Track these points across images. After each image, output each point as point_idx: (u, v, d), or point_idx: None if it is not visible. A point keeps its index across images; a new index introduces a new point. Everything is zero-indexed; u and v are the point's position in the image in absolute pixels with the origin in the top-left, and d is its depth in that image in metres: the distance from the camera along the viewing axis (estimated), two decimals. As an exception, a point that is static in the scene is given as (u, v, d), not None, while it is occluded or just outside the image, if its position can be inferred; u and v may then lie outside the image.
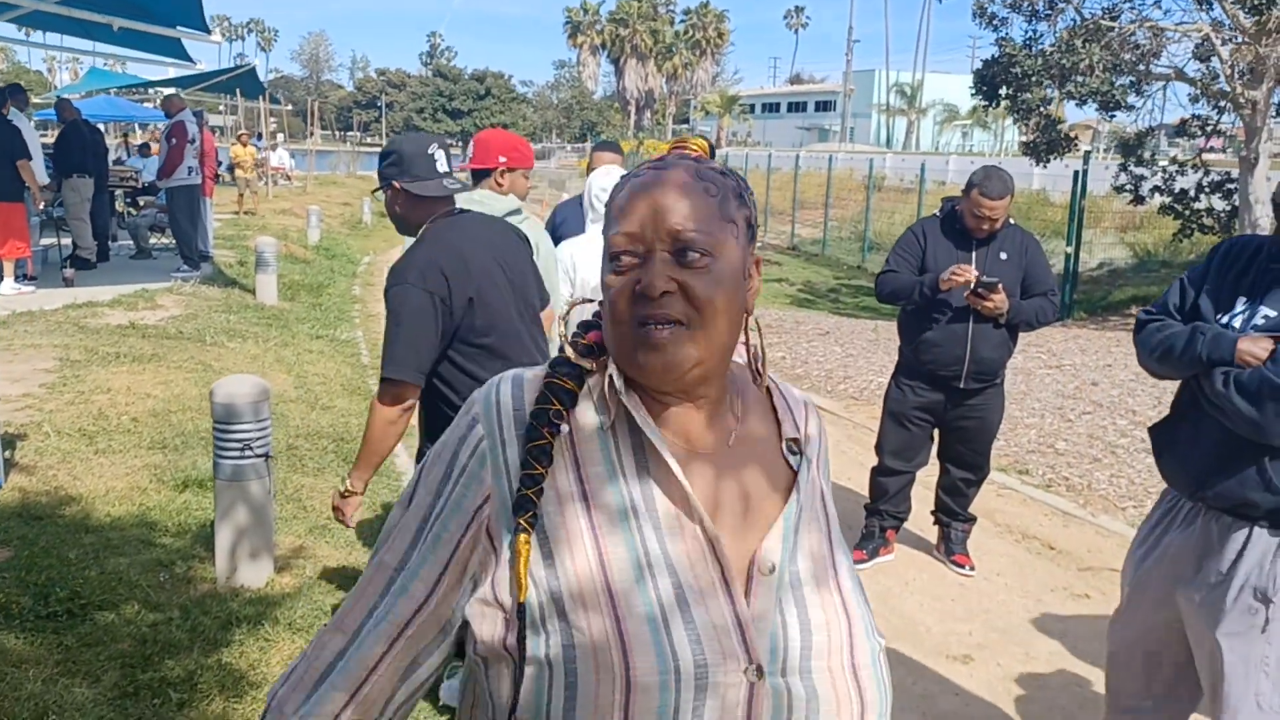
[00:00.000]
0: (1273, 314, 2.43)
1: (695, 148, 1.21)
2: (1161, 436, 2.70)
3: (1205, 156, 14.32)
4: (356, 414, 6.97)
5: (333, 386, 7.60)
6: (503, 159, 3.79)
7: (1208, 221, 13.95)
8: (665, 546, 1.07)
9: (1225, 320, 2.51)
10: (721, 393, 1.17)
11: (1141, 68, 12.98)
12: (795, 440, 1.22)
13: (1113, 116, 13.87)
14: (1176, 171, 14.08)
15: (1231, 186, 13.68)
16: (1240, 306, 2.50)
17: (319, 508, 5.09)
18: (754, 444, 1.18)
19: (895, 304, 4.71)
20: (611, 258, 1.10)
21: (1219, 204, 13.99)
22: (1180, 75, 13.17)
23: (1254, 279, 2.50)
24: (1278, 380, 2.32)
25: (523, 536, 1.06)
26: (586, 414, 1.14)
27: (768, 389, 1.26)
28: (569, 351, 1.16)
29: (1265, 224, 11.88)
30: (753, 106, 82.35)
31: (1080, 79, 12.56)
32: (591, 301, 1.20)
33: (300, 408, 6.79)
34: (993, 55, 13.50)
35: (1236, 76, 12.14)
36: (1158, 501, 2.78)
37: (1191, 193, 14.02)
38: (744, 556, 1.10)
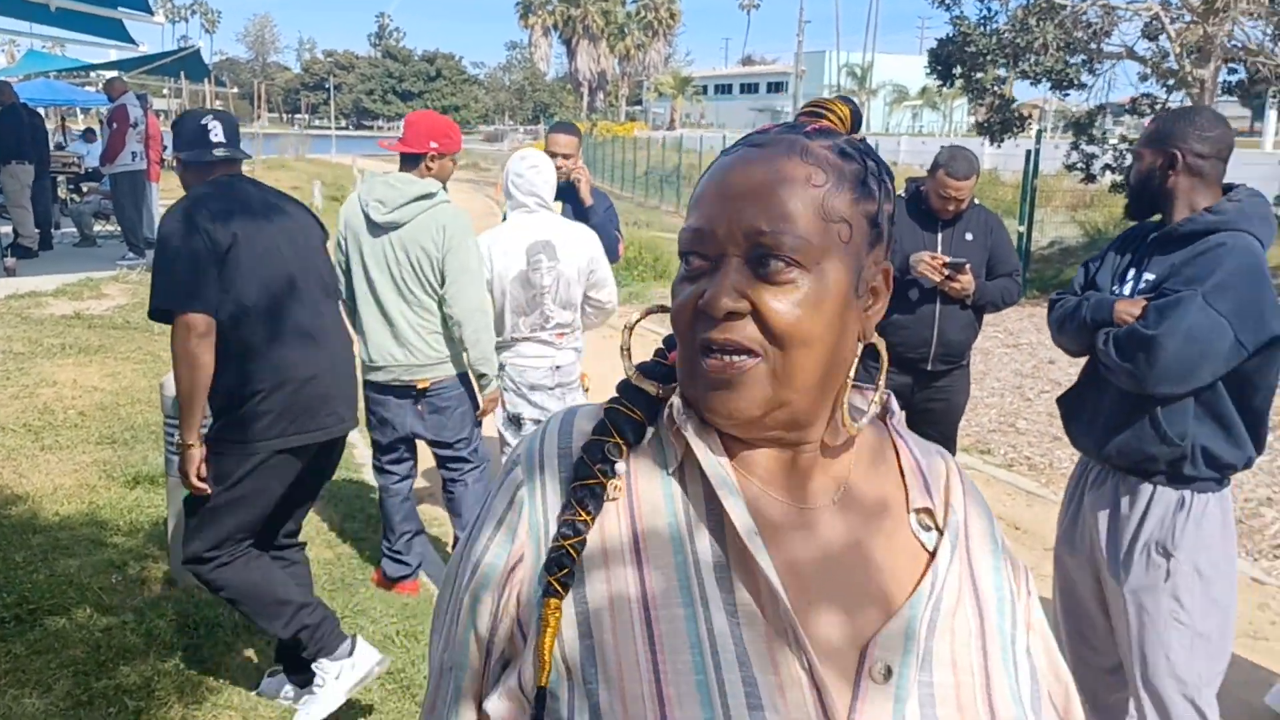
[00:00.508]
0: (1152, 277, 2.61)
1: (832, 113, 0.94)
2: (1068, 404, 2.86)
3: (1155, 135, 14.45)
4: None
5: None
6: (434, 145, 3.84)
7: (1157, 199, 14.08)
8: (737, 630, 0.83)
9: (1118, 289, 2.70)
10: (827, 438, 0.91)
11: (1093, 46, 13.08)
12: (927, 512, 0.93)
13: (1066, 95, 13.95)
14: (1127, 149, 14.23)
15: (1180, 164, 13.81)
16: (1130, 276, 2.70)
17: (276, 502, 4.96)
18: (872, 506, 0.92)
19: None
20: (681, 256, 0.89)
21: (1168, 182, 14.12)
22: (1131, 54, 13.29)
23: (1143, 251, 2.69)
24: (1145, 332, 2.47)
25: (552, 601, 0.85)
26: (653, 453, 0.92)
27: (893, 443, 0.98)
28: (630, 369, 0.95)
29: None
30: (705, 88, 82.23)
31: (1034, 58, 12.62)
32: (665, 309, 0.94)
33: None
34: (947, 34, 13.51)
35: (1185, 55, 12.27)
36: (1074, 468, 2.92)
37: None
38: (847, 654, 0.84)
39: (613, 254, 4.62)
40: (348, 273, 3.96)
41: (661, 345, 0.99)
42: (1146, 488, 2.59)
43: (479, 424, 4.22)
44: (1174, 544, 2.54)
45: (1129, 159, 14.34)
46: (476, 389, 4.09)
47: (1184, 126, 2.59)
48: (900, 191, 4.69)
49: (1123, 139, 14.47)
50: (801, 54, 73.92)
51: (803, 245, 0.83)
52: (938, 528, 0.93)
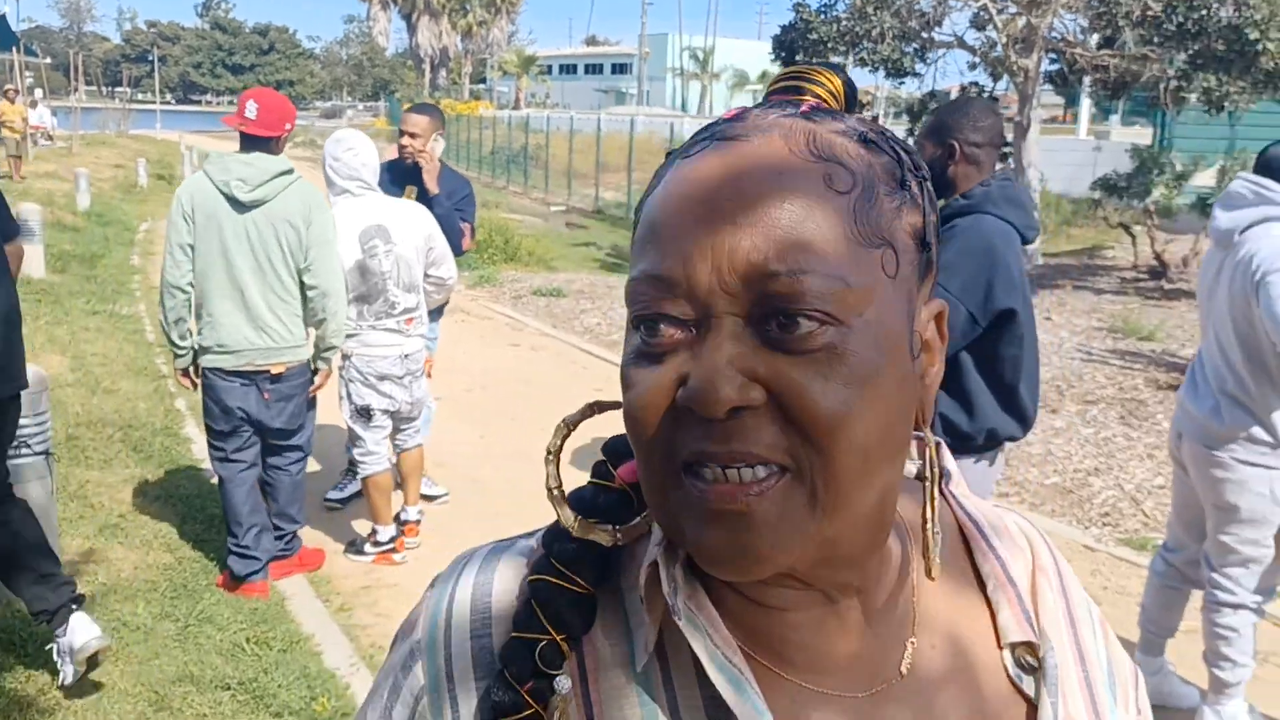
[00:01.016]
0: None
1: (820, 86, 0.65)
2: None
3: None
4: (144, 396, 6.46)
5: (115, 367, 7.02)
6: (288, 126, 3.93)
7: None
8: None
9: None
10: (881, 573, 0.64)
11: (926, 35, 13.57)
12: (1028, 647, 0.66)
13: (901, 83, 14.45)
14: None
15: (1006, 150, 14.55)
16: None
17: (108, 504, 4.66)
18: (952, 662, 0.65)
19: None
20: (635, 325, 0.58)
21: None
22: (961, 43, 13.85)
23: None
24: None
25: None
26: (610, 629, 0.64)
27: (965, 545, 0.70)
28: (565, 515, 0.64)
29: (1037, 186, 12.71)
30: (550, 67, 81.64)
31: (871, 46, 13.00)
32: (616, 406, 0.63)
33: (79, 393, 6.22)
34: (790, 21, 13.79)
35: (1011, 45, 12.87)
36: None
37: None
38: None
39: (455, 246, 4.55)
40: (195, 257, 3.81)
41: (602, 456, 0.69)
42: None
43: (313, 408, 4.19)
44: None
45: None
46: (320, 361, 4.05)
47: (960, 119, 2.78)
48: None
49: (954, 125, 15.09)
50: (645, 36, 74.25)
51: (837, 289, 0.54)
52: (1039, 668, 0.65)
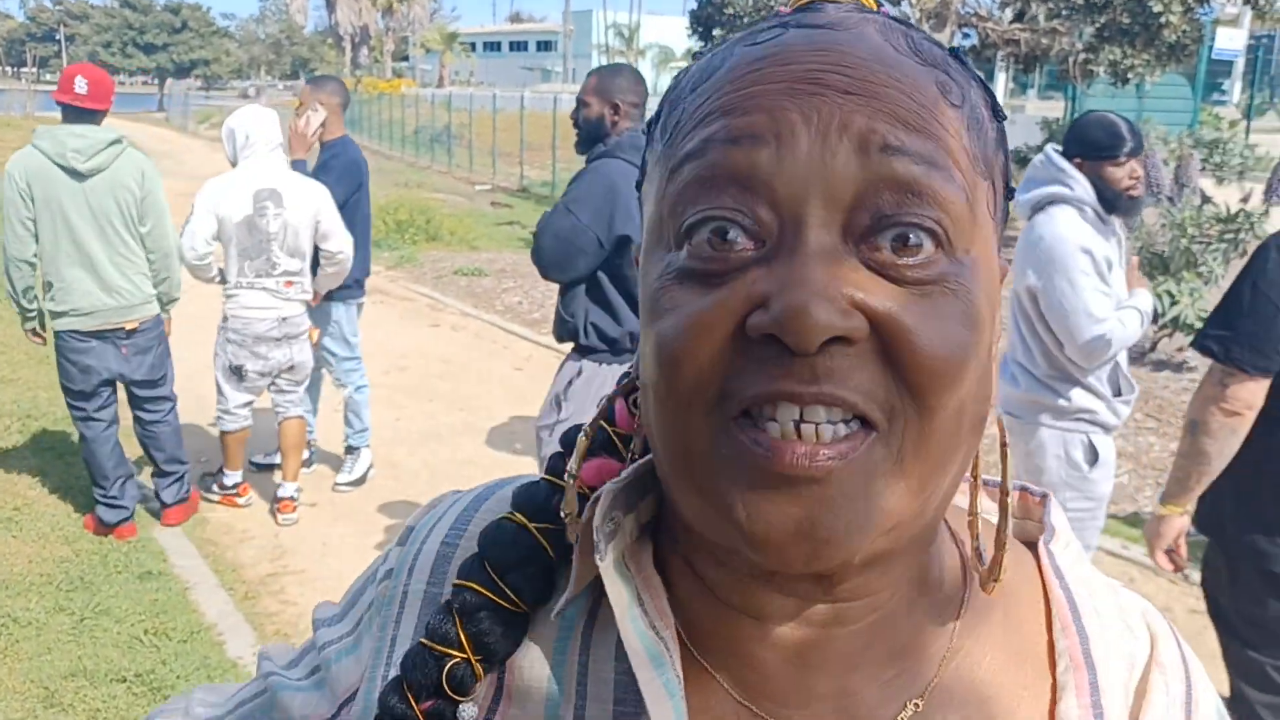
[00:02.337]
0: None
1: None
2: None
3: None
4: (45, 386, 6.25)
5: (14, 355, 6.79)
6: (112, 99, 4.19)
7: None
8: None
9: None
10: (915, 597, 0.52)
11: (842, 11, 13.68)
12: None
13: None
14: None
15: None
16: None
17: (3, 497, 4.52)
18: (991, 699, 0.52)
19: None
20: (684, 233, 0.46)
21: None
22: (877, 18, 14.00)
23: None
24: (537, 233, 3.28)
25: None
26: (534, 654, 0.54)
27: (1039, 568, 0.57)
28: (570, 499, 0.53)
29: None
30: (474, 45, 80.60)
31: (788, 21, 13.09)
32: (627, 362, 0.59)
33: (-26, 384, 6.00)
34: (707, -4, 13.81)
35: (925, 20, 13.03)
36: None
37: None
38: None
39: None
40: (39, 229, 4.01)
41: (560, 448, 0.59)
42: (567, 361, 3.29)
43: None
44: (565, 398, 3.24)
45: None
46: (164, 312, 4.35)
47: (620, 81, 3.36)
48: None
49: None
50: (569, 12, 73.71)
51: (961, 205, 0.45)
52: None
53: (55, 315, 4.08)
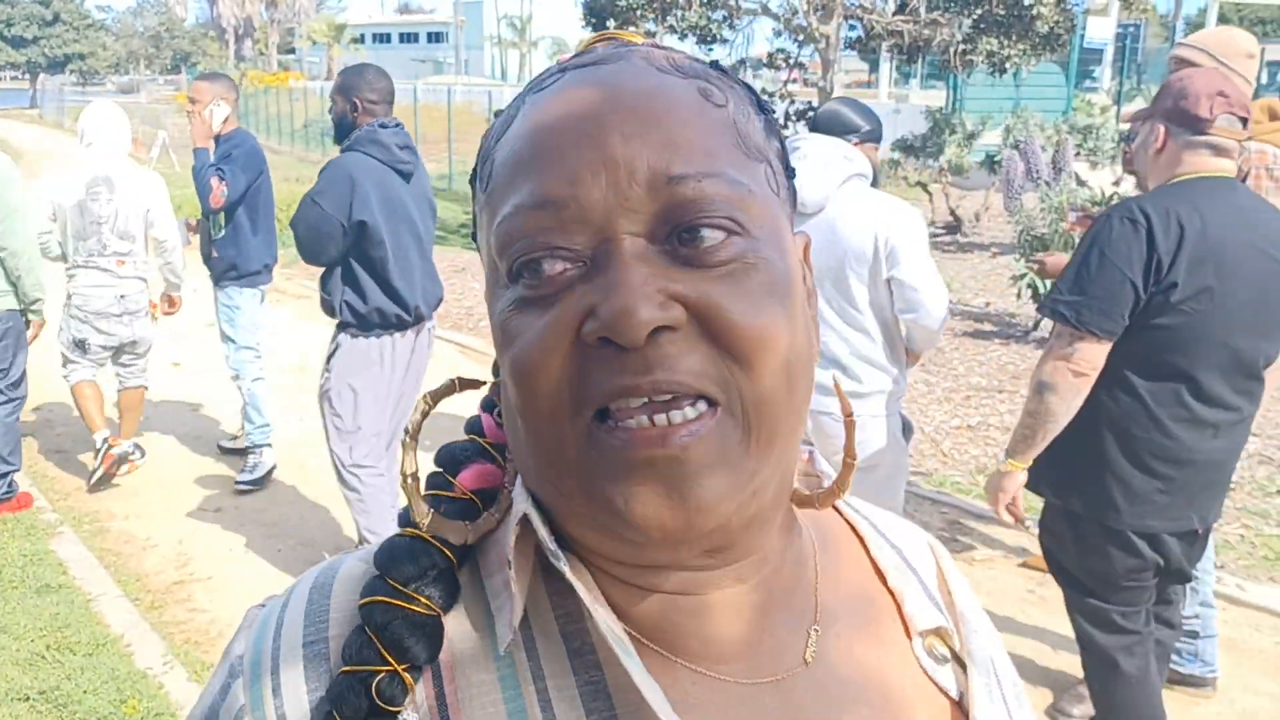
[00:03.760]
0: None
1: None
2: None
3: (791, 88, 15.64)
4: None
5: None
6: None
7: (796, 147, 15.27)
8: None
9: None
10: (786, 544, 0.60)
11: (732, 3, 13.85)
12: (939, 635, 0.64)
13: (710, 49, 14.70)
14: (768, 102, 15.24)
15: (814, 115, 15.02)
16: None
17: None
18: (859, 650, 0.61)
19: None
20: (515, 273, 0.52)
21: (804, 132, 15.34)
22: (765, 10, 14.20)
23: None
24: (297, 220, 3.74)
25: None
26: (476, 624, 0.57)
27: (848, 524, 0.68)
28: (419, 507, 0.57)
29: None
30: (363, 36, 79.03)
31: (679, 12, 13.20)
32: (477, 384, 0.62)
33: None
34: (599, -13, 13.82)
35: (812, 12, 13.29)
36: None
37: (781, 121, 15.27)
38: None
39: (203, 200, 4.77)
40: None
41: (437, 467, 0.62)
42: (334, 334, 3.75)
43: (25, 353, 4.59)
44: (330, 365, 3.76)
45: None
46: (31, 314, 4.50)
47: (361, 81, 3.72)
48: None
49: (764, 92, 15.49)
50: (460, 4, 72.81)
51: (742, 195, 0.51)
52: (954, 655, 0.63)
53: None
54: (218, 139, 4.81)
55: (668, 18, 13.38)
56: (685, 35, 13.64)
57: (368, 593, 0.56)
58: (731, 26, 14.20)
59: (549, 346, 0.50)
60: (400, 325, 3.76)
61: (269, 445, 5.10)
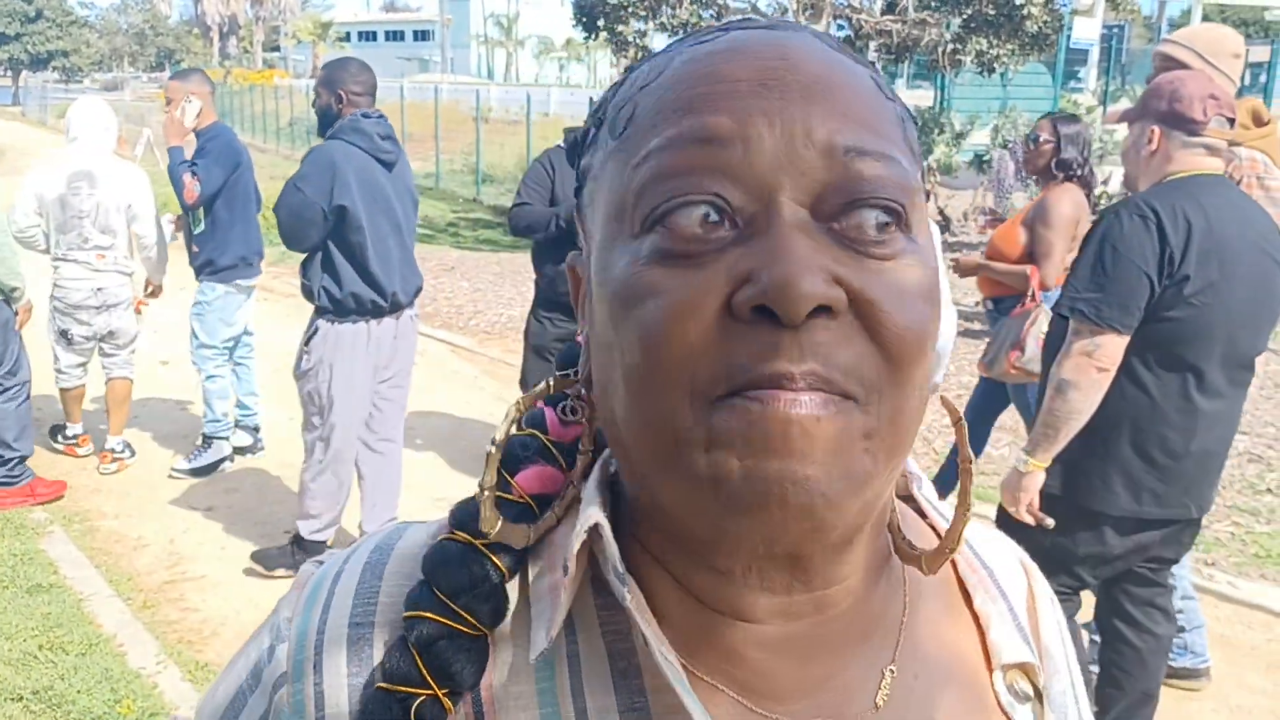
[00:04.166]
0: None
1: None
2: None
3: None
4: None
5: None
6: None
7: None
8: None
9: None
10: (875, 579, 0.56)
11: (721, 1, 13.87)
12: (1022, 670, 0.58)
13: (700, 48, 14.72)
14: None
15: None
16: None
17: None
18: (936, 693, 0.55)
19: (530, 237, 4.70)
20: (652, 220, 0.46)
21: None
22: (755, 9, 14.22)
23: None
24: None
25: None
26: (505, 639, 0.53)
27: (923, 515, 0.62)
28: (488, 521, 0.52)
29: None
30: (349, 35, 78.81)
31: (670, 11, 13.19)
32: (573, 383, 0.57)
33: None
34: (588, -14, 13.80)
35: (801, 11, 13.31)
36: None
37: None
38: None
39: (179, 196, 4.81)
40: None
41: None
42: (312, 319, 3.78)
43: (19, 339, 4.65)
44: (308, 350, 3.76)
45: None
46: (11, 302, 4.55)
47: (344, 74, 3.79)
48: (560, 141, 4.78)
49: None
50: (446, 2, 72.71)
51: (914, 189, 0.48)
52: (1036, 692, 0.58)
53: None
54: (196, 133, 4.85)
55: (658, 15, 13.37)
56: (676, 33, 13.63)
57: (413, 604, 0.52)
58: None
59: (691, 310, 0.44)
60: (377, 311, 3.80)
61: (222, 439, 5.18)
